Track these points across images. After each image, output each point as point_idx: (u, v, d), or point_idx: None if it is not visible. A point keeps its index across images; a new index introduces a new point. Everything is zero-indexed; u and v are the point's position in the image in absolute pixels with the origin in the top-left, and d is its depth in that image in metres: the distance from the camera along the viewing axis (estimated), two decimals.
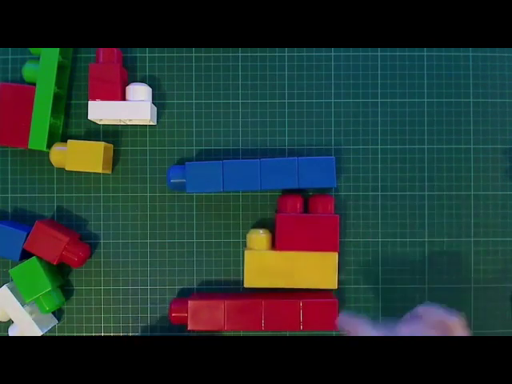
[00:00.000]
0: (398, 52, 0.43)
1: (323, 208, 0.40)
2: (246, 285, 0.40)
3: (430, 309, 0.35)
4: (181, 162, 0.43)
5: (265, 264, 0.40)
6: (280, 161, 0.40)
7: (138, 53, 0.43)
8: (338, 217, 0.40)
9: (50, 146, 0.41)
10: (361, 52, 0.43)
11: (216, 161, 0.40)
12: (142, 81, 0.43)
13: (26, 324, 0.40)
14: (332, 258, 0.40)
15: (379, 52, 0.43)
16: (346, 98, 0.43)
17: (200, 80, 0.43)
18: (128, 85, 0.41)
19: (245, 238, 0.43)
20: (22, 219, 0.43)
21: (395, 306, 0.43)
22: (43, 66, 0.40)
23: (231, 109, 0.43)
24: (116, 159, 0.43)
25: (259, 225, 0.43)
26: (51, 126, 0.41)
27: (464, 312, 0.43)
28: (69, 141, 0.41)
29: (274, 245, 0.41)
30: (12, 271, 0.40)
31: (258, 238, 0.41)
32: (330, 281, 0.40)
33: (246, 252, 0.40)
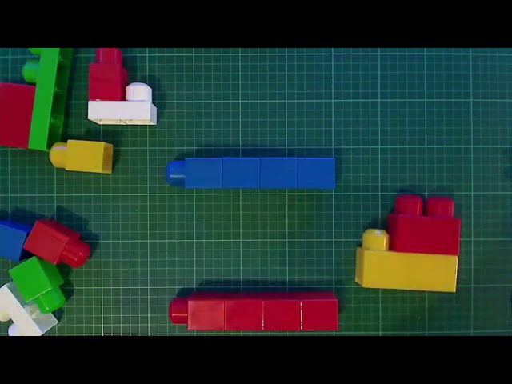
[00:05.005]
0: (397, 52, 0.43)
1: (443, 211, 0.40)
2: (365, 285, 0.40)
3: None
4: None
5: (384, 265, 0.40)
6: (280, 160, 0.40)
7: (138, 53, 0.43)
8: (459, 220, 0.40)
9: (50, 146, 0.41)
10: (361, 52, 0.43)
11: (216, 157, 0.40)
12: (142, 81, 0.43)
13: (26, 324, 0.40)
14: (452, 261, 0.39)
15: (379, 52, 0.43)
16: (345, 98, 0.43)
17: (200, 80, 0.43)
18: (128, 85, 0.41)
19: (244, 238, 0.43)
20: (22, 219, 0.43)
21: (396, 306, 0.43)
22: (43, 66, 0.40)
23: (231, 109, 0.43)
24: (116, 159, 0.43)
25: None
26: (51, 126, 0.41)
27: (464, 312, 0.43)
28: (69, 141, 0.41)
29: (392, 246, 0.40)
30: (12, 271, 0.40)
31: (376, 238, 0.40)
32: (448, 284, 0.39)
33: (365, 252, 0.40)
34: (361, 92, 0.43)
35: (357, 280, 0.42)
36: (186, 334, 0.43)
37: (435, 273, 0.39)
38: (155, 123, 0.43)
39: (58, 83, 0.41)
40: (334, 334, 0.43)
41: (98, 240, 0.43)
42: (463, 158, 0.43)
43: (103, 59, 0.41)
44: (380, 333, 0.43)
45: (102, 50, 0.41)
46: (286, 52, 0.43)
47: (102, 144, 0.40)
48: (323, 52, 0.43)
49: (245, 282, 0.43)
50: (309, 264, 0.43)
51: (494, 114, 0.43)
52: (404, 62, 0.43)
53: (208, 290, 0.43)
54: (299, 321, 0.39)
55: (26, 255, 0.40)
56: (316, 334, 0.42)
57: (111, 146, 0.43)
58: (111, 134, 0.43)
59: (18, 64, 0.43)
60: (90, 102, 0.40)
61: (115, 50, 0.41)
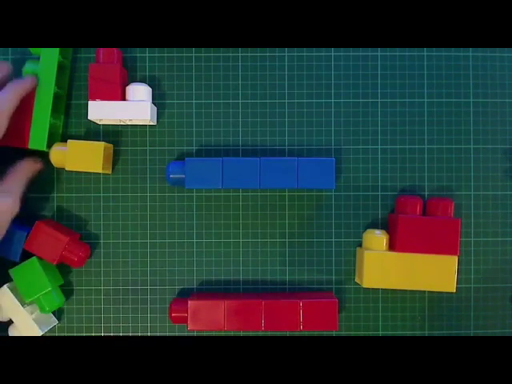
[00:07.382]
0: (397, 52, 0.43)
1: (443, 211, 0.40)
2: (365, 285, 0.40)
3: None
4: None
5: (384, 265, 0.40)
6: (280, 160, 0.40)
7: (138, 53, 0.43)
8: (459, 220, 0.40)
9: (50, 146, 0.41)
10: (361, 52, 0.43)
11: (216, 157, 0.40)
12: (142, 81, 0.43)
13: (26, 324, 0.40)
14: (452, 261, 0.39)
15: (379, 52, 0.43)
16: (345, 97, 0.43)
17: (200, 80, 0.43)
18: (128, 85, 0.41)
19: (244, 238, 0.43)
20: (22, 219, 0.43)
21: (396, 306, 0.43)
22: (43, 65, 0.40)
23: (231, 109, 0.43)
24: (116, 159, 0.43)
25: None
26: (51, 126, 0.41)
27: (464, 312, 0.43)
28: (69, 141, 0.41)
29: (392, 246, 0.40)
30: (12, 271, 0.40)
31: (376, 238, 0.40)
32: (448, 284, 0.39)
33: (365, 252, 0.40)
34: (361, 92, 0.43)
35: (357, 280, 0.42)
36: (185, 334, 0.43)
37: (435, 273, 0.39)
38: (155, 123, 0.43)
39: (58, 83, 0.41)
40: (333, 334, 0.43)
41: (98, 240, 0.43)
42: (463, 157, 0.43)
43: (103, 59, 0.41)
44: (380, 333, 0.43)
45: (101, 50, 0.41)
46: (286, 52, 0.43)
47: (101, 144, 0.40)
48: (323, 52, 0.43)
49: (245, 282, 0.43)
50: (309, 264, 0.43)
51: (494, 114, 0.43)
52: (404, 61, 0.43)
53: (208, 290, 0.43)
54: (299, 321, 0.39)
55: (26, 255, 0.40)
56: (316, 333, 0.42)
57: (111, 146, 0.43)
58: (111, 134, 0.43)
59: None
60: (90, 102, 0.40)
61: (115, 50, 0.41)
